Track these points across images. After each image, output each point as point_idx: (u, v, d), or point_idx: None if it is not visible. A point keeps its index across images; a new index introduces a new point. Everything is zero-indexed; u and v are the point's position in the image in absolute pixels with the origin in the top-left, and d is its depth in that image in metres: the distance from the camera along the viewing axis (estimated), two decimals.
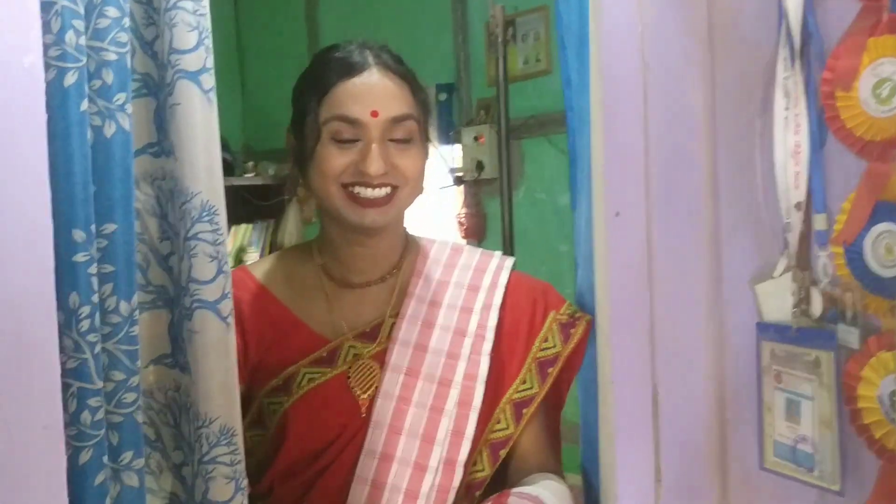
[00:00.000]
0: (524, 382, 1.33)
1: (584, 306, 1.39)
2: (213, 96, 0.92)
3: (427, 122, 1.33)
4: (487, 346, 1.31)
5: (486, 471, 1.29)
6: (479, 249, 1.46)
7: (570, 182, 1.51)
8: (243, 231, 4.75)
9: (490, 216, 3.83)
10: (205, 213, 0.90)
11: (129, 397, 0.88)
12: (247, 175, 4.56)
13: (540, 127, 3.53)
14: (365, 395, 1.26)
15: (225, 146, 4.64)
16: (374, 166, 1.21)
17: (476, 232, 3.84)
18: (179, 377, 0.97)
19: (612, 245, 1.31)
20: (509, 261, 1.43)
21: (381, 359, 1.29)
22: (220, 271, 0.92)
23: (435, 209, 3.97)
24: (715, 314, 1.12)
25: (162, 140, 0.95)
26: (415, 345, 1.30)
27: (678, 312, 1.18)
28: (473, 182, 3.75)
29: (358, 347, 1.29)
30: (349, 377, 1.27)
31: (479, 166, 3.67)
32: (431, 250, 1.42)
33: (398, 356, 1.29)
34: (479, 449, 1.29)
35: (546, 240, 3.58)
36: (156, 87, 0.94)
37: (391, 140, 1.25)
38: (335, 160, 1.23)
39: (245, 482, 1.00)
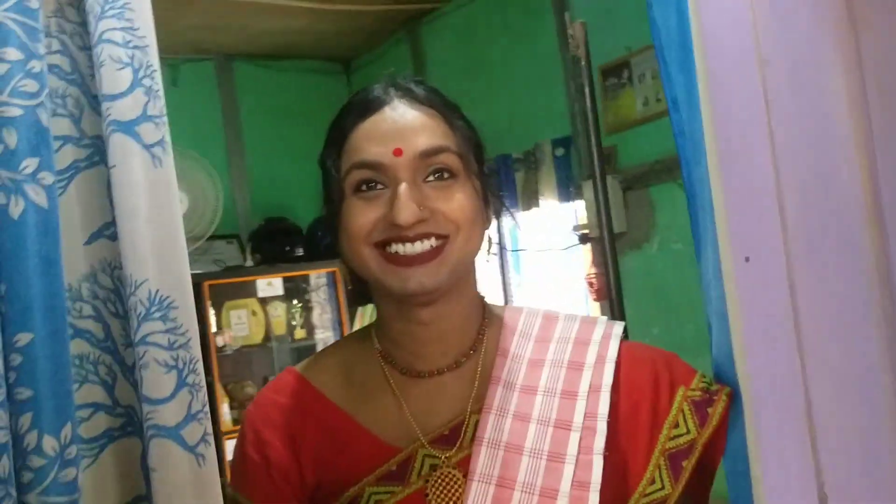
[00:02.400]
0: (652, 483, 1.03)
1: (725, 378, 1.09)
2: (161, 152, 0.70)
3: (478, 156, 1.07)
4: (600, 441, 1.02)
5: None
6: (579, 316, 1.16)
7: (692, 225, 1.21)
8: (370, 311, 4.61)
9: (624, 274, 3.50)
10: (154, 309, 0.68)
11: None
12: None
13: (668, 172, 3.21)
14: None
15: None
16: (404, 213, 0.97)
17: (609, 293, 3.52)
18: None
19: (743, 298, 1.01)
20: (618, 327, 1.13)
21: (465, 467, 1.01)
22: (181, 384, 0.68)
23: (561, 271, 3.68)
24: None
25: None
26: (506, 446, 1.02)
27: (843, 385, 0.86)
28: (600, 239, 3.44)
29: (436, 455, 1.03)
30: (427, 494, 1.00)
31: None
32: (519, 322, 1.13)
33: (486, 462, 1.01)
34: None
35: (689, 296, 3.22)
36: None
37: (427, 181, 1.01)
38: (361, 216, 1.00)
39: None
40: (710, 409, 1.05)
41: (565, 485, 0.99)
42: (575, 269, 3.64)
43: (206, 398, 0.73)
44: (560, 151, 3.62)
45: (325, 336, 4.66)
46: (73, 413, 0.67)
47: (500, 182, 3.94)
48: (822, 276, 0.87)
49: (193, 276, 3.34)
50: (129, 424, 0.74)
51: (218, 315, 4.30)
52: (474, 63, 4.22)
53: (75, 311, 0.73)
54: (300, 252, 4.46)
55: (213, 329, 4.19)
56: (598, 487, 0.99)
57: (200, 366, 0.70)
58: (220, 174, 4.39)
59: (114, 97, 0.68)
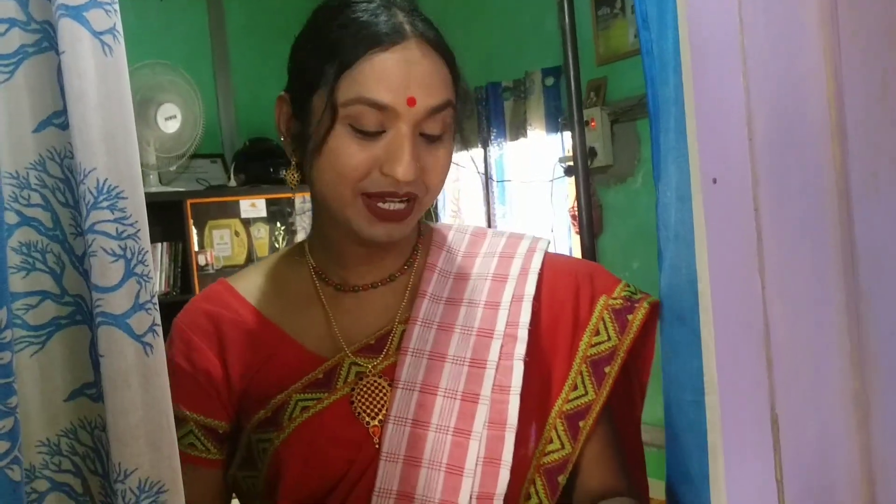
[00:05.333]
0: (575, 388, 1.06)
1: (679, 304, 1.09)
2: (112, 41, 0.68)
3: (462, 114, 1.06)
4: (521, 348, 1.05)
5: None
6: (507, 232, 1.19)
7: (653, 146, 1.20)
8: None
9: (607, 207, 3.50)
10: (102, 197, 0.67)
11: None
12: None
13: None
14: (376, 422, 1.02)
15: None
16: (407, 170, 0.95)
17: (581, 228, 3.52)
18: (104, 412, 0.74)
19: (709, 220, 1.00)
20: (543, 242, 1.16)
21: (390, 375, 1.04)
22: (129, 274, 0.68)
23: (545, 203, 3.67)
24: (851, 310, 0.80)
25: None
26: (430, 354, 1.04)
27: (799, 309, 0.86)
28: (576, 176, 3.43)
29: (361, 364, 1.05)
30: (353, 401, 1.02)
31: (592, 153, 3.36)
32: (448, 239, 1.16)
33: (410, 370, 1.04)
34: (531, 477, 1.03)
35: None
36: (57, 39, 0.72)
37: (422, 135, 0.99)
38: (355, 157, 0.96)
39: None
40: (629, 317, 1.08)
41: (486, 389, 1.02)
42: (560, 201, 3.63)
43: (156, 290, 0.72)
44: (550, 81, 3.58)
45: None
46: (9, 298, 0.67)
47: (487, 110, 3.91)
48: (785, 199, 0.87)
49: (176, 193, 3.27)
50: (77, 313, 0.74)
51: (200, 234, 4.28)
52: None
53: (23, 198, 0.73)
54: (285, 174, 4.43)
55: (196, 248, 4.19)
56: (519, 391, 1.02)
57: (149, 257, 0.70)
58: (206, 92, 4.32)
59: None
